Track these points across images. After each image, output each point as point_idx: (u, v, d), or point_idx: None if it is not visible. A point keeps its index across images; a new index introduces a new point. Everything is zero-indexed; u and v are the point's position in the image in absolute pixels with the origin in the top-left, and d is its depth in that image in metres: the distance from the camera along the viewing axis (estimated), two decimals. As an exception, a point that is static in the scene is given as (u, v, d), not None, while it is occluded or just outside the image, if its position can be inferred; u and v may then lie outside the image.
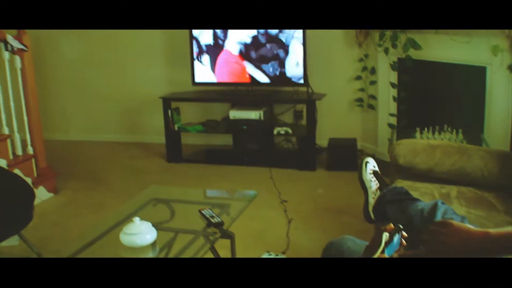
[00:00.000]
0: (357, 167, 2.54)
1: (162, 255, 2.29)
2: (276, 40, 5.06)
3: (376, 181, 2.50)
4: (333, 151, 4.96)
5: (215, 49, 5.27)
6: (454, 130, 3.83)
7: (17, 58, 4.27)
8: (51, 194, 4.50)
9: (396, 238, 1.55)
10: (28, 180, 4.15)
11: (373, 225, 2.62)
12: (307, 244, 3.46)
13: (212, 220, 2.48)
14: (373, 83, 5.11)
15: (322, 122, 5.32)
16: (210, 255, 2.60)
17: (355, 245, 1.89)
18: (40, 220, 3.89)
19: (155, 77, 5.95)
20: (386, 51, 4.69)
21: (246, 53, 5.19)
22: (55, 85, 6.27)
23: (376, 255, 1.50)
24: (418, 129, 3.97)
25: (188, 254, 2.32)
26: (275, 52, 5.09)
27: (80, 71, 6.18)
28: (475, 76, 4.02)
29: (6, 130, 4.22)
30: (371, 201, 2.46)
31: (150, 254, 2.25)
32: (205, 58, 5.30)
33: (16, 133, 4.31)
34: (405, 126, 4.64)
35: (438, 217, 2.07)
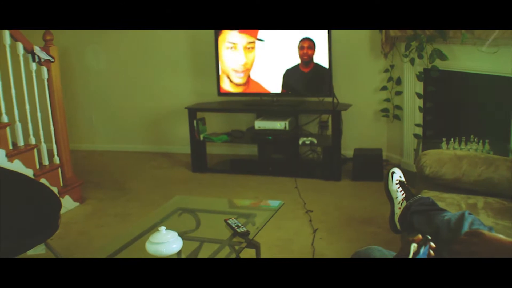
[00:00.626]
0: (383, 178, 2.54)
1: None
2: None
3: (402, 192, 2.49)
4: (359, 161, 4.94)
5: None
6: (481, 141, 3.80)
7: (44, 69, 4.32)
8: (77, 204, 4.53)
9: (423, 249, 1.54)
10: (54, 190, 4.20)
11: (399, 235, 2.61)
12: (332, 254, 3.44)
13: (238, 230, 2.49)
14: (398, 93, 5.09)
15: (348, 132, 5.30)
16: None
17: (382, 255, 1.88)
18: (66, 229, 3.94)
19: (181, 87, 5.98)
20: (412, 61, 4.67)
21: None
22: (81, 96, 6.34)
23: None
24: (444, 139, 3.95)
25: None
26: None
27: (106, 81, 6.24)
28: (501, 87, 3.99)
29: (33, 140, 4.26)
30: (397, 211, 2.45)
31: (176, 263, 2.26)
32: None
33: (42, 143, 4.37)
34: (431, 137, 4.61)
35: (465, 227, 2.05)
